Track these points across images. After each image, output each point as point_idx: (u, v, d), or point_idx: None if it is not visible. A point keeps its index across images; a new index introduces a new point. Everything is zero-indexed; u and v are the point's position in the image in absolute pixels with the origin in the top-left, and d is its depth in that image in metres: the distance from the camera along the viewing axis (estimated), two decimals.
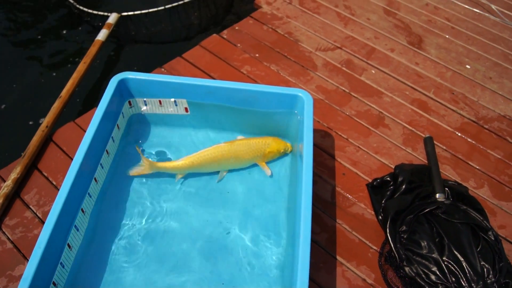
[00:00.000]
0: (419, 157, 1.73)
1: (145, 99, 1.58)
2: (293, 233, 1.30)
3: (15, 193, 1.57)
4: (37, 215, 1.51)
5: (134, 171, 1.49)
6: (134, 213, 1.44)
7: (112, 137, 1.49)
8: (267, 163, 1.57)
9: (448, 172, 1.69)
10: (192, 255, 1.35)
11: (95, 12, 2.30)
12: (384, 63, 2.11)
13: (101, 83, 2.21)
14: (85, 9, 2.33)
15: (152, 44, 2.50)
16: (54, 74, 2.29)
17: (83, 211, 1.33)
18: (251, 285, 1.29)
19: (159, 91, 1.55)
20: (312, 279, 1.36)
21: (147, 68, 2.02)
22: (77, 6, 2.38)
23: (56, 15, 2.62)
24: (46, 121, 1.72)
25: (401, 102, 1.93)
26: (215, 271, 1.32)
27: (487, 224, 1.47)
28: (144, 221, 1.42)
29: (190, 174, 1.53)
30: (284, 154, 1.58)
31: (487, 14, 2.43)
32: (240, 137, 1.60)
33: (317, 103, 1.88)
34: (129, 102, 1.58)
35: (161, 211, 1.45)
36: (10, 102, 2.13)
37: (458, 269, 1.36)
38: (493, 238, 1.44)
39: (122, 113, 1.56)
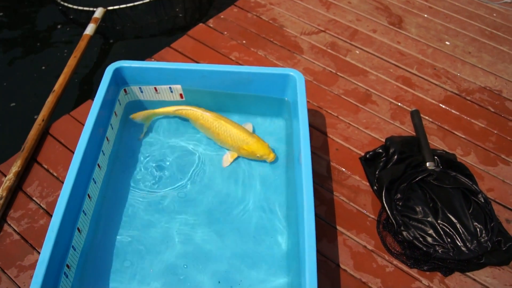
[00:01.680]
0: (407, 129, 1.80)
1: (140, 87, 1.61)
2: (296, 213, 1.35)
3: (17, 186, 1.59)
4: (41, 206, 1.54)
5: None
6: (136, 196, 1.48)
7: (111, 124, 1.52)
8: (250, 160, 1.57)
9: (435, 142, 1.77)
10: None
11: (80, 7, 2.31)
12: (367, 43, 2.17)
13: (92, 76, 2.23)
14: (70, 5, 2.35)
15: (140, 37, 2.53)
16: (44, 69, 2.30)
17: (89, 197, 1.36)
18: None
19: (154, 78, 1.58)
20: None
21: (137, 60, 2.04)
22: (62, 2, 2.39)
23: (42, 13, 2.63)
24: (41, 115, 1.74)
25: (386, 79, 2.00)
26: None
27: (477, 188, 1.54)
28: (147, 200, 1.47)
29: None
30: (260, 159, 1.53)
31: None
32: (249, 124, 1.63)
33: (306, 84, 1.90)
34: (125, 90, 1.61)
35: (165, 195, 1.49)
36: (2, 99, 2.14)
37: (452, 230, 1.43)
38: (483, 201, 1.52)
39: (119, 100, 1.59)
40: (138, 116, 1.63)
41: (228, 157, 1.56)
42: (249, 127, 1.63)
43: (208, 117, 1.57)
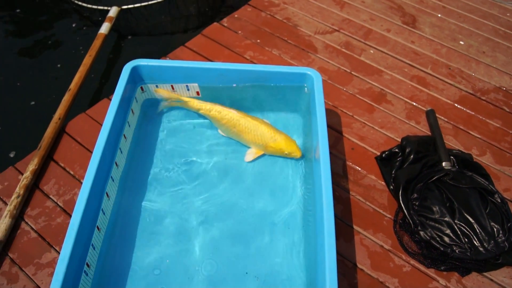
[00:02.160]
0: (423, 129, 1.79)
1: (157, 84, 1.61)
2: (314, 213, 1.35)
3: (34, 184, 1.59)
4: (58, 204, 1.54)
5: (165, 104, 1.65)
6: (153, 194, 1.48)
7: (128, 122, 1.52)
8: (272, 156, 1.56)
9: (451, 142, 1.76)
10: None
11: (94, 6, 2.32)
12: (381, 43, 2.17)
13: (107, 74, 2.24)
14: (85, 4, 2.36)
15: (154, 36, 2.54)
16: (60, 67, 2.31)
17: (107, 195, 1.36)
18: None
19: (171, 77, 1.58)
20: None
21: (152, 58, 2.05)
22: (76, 2, 2.40)
23: (57, 12, 2.65)
24: (58, 113, 1.75)
25: (400, 79, 2.00)
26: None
27: (493, 188, 1.54)
28: (164, 198, 1.47)
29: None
30: (287, 156, 1.52)
31: None
32: (266, 121, 1.59)
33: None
34: (141, 87, 1.61)
35: (183, 191, 1.49)
36: (21, 99, 2.16)
37: (470, 230, 1.43)
38: (499, 201, 1.51)
39: (136, 98, 1.59)
40: (162, 93, 1.63)
41: (252, 152, 1.54)
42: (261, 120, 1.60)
43: (234, 115, 1.54)
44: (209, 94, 1.64)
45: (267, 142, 1.50)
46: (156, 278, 1.31)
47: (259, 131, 1.50)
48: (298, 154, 1.49)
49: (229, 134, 1.59)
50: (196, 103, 1.60)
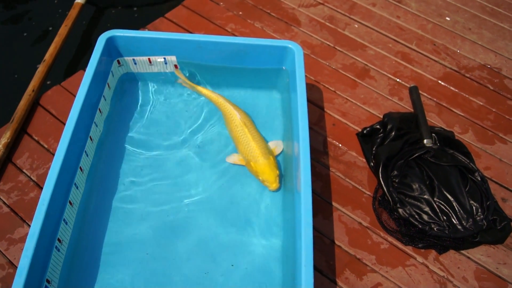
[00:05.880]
0: (406, 106, 1.77)
1: (134, 58, 1.56)
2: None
3: (6, 158, 1.55)
4: (31, 179, 1.50)
5: (179, 80, 1.63)
6: (130, 169, 1.45)
7: (103, 96, 1.48)
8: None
9: (433, 119, 1.74)
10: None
11: None
12: (366, 17, 2.12)
13: (84, 46, 2.18)
14: None
15: (133, 6, 2.46)
16: (35, 38, 2.24)
17: (81, 169, 1.33)
18: None
19: (148, 49, 1.53)
20: None
21: (131, 30, 1.99)
22: None
23: None
24: (31, 85, 1.70)
25: (385, 55, 1.96)
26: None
27: (473, 166, 1.53)
28: (139, 176, 1.44)
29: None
30: (262, 183, 1.41)
31: None
32: (279, 142, 1.51)
33: (304, 58, 1.89)
34: (118, 61, 1.56)
35: (157, 167, 1.46)
36: None
37: (449, 208, 1.42)
38: (479, 179, 1.51)
39: (112, 72, 1.54)
40: (180, 76, 1.61)
41: (236, 158, 1.47)
42: (278, 145, 1.50)
43: (236, 120, 1.48)
44: (187, 70, 1.60)
45: (249, 159, 1.42)
46: (131, 253, 1.29)
47: (249, 146, 1.42)
48: (272, 186, 1.37)
49: (229, 133, 1.53)
50: (216, 97, 1.57)
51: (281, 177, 1.43)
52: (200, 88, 1.60)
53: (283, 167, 1.46)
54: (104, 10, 2.40)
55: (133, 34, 1.51)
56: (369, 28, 2.08)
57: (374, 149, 1.59)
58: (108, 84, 1.52)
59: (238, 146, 1.47)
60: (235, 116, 1.49)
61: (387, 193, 1.45)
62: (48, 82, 1.99)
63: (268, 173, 1.37)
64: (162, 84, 1.64)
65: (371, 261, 1.37)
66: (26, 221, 1.41)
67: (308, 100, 1.72)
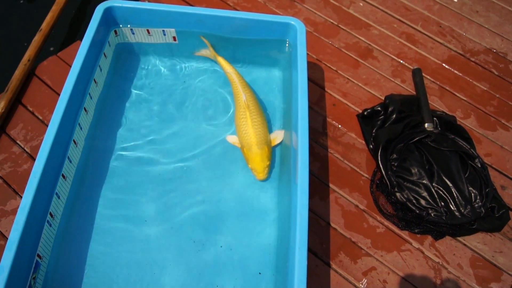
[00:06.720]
0: (408, 88, 1.74)
1: (132, 28, 1.52)
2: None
3: (0, 128, 1.52)
4: (25, 150, 1.48)
5: (199, 52, 1.59)
6: (126, 141, 1.43)
7: (99, 66, 1.44)
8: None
9: (436, 103, 1.71)
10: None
11: None
12: None
13: (81, 16, 2.12)
14: None
15: None
16: (31, 5, 2.18)
17: (75, 143, 1.30)
18: None
19: (147, 20, 1.49)
20: None
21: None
22: None
23: None
24: (27, 54, 1.66)
25: (389, 35, 1.92)
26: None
27: (474, 152, 1.51)
28: (136, 149, 1.42)
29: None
30: (251, 171, 1.39)
31: None
32: (280, 132, 1.46)
33: (306, 35, 1.85)
34: (115, 31, 1.52)
35: (155, 137, 1.45)
36: None
37: (447, 194, 1.41)
38: (479, 166, 1.48)
39: (108, 42, 1.50)
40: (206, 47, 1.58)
41: (235, 139, 1.45)
42: (279, 135, 1.45)
43: (240, 101, 1.43)
44: (186, 41, 1.56)
45: (244, 145, 1.39)
46: (126, 229, 1.28)
47: (246, 132, 1.39)
48: (258, 176, 1.36)
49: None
50: (232, 71, 1.52)
51: (271, 168, 1.41)
52: (220, 59, 1.54)
53: (282, 153, 1.44)
54: None
55: (132, 5, 1.46)
56: (374, 7, 2.03)
57: (374, 131, 1.56)
58: (104, 53, 1.48)
59: (237, 128, 1.44)
60: (241, 97, 1.44)
61: (385, 177, 1.43)
62: (51, 48, 1.95)
63: (257, 163, 1.35)
64: (159, 55, 1.61)
65: (366, 244, 1.36)
66: (19, 193, 1.39)
67: (309, 79, 1.70)
